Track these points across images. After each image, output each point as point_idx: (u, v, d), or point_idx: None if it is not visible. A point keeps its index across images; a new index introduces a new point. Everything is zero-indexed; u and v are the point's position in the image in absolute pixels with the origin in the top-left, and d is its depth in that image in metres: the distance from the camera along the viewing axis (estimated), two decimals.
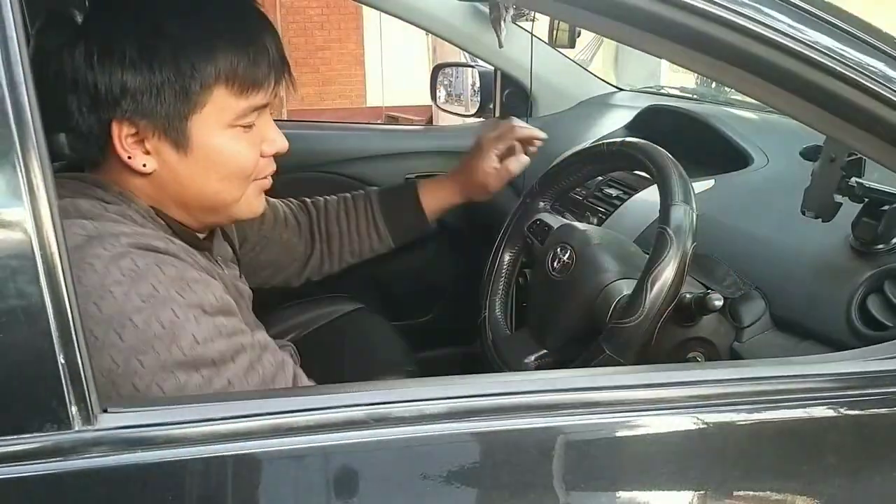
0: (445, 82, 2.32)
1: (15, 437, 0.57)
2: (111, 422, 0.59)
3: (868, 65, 0.77)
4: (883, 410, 0.80)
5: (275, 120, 0.96)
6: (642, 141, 1.12)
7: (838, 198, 1.01)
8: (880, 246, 1.03)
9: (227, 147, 0.88)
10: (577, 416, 0.70)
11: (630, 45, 0.83)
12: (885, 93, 0.77)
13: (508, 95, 2.06)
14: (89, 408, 0.58)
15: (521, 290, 1.26)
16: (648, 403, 0.73)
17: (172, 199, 0.90)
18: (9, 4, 0.55)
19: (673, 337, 1.07)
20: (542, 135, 1.38)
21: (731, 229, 1.21)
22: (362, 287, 1.63)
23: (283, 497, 0.63)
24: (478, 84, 2.11)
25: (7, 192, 0.55)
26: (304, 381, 0.94)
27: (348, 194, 1.39)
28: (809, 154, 1.06)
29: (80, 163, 0.92)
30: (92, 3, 0.91)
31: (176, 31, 0.83)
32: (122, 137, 0.85)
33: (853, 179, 1.01)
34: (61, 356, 0.57)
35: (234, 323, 0.83)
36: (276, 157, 0.97)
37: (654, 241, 0.98)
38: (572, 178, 1.24)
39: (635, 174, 1.42)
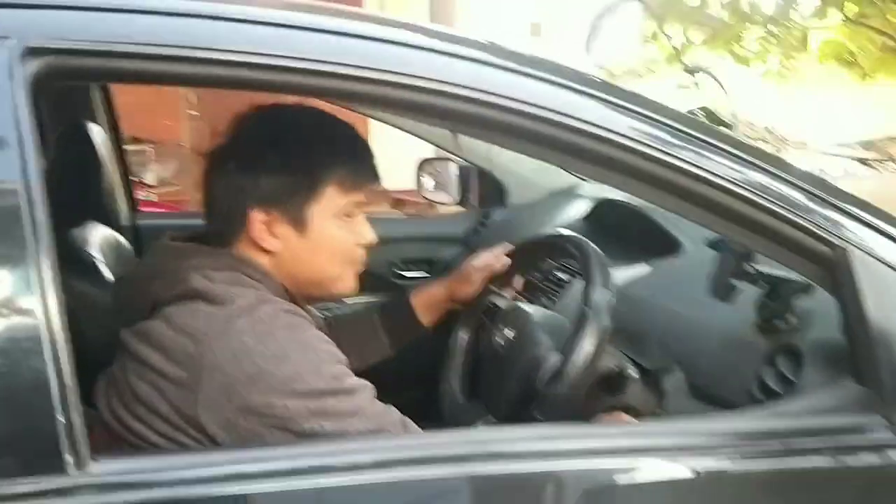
0: (434, 173, 2.52)
1: (23, 478, 0.72)
2: (99, 468, 0.75)
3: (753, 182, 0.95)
4: (760, 461, 0.94)
5: None
6: (573, 234, 1.30)
7: (734, 282, 1.17)
8: (779, 323, 1.19)
9: (335, 232, 1.11)
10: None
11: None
12: (759, 201, 0.95)
13: (484, 186, 2.25)
14: (81, 457, 0.73)
15: (475, 365, 1.41)
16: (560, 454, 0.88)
17: (287, 275, 1.11)
18: (27, 128, 0.74)
19: (603, 404, 1.21)
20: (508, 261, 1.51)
21: (660, 309, 1.37)
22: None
23: None
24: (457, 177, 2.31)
25: (20, 283, 0.73)
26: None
27: (355, 308, 1.53)
28: (714, 245, 1.22)
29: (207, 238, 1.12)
30: (235, 125, 1.12)
31: (308, 143, 1.09)
32: (257, 223, 1.06)
33: (749, 266, 1.17)
34: (60, 416, 0.73)
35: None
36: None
37: (576, 318, 1.14)
38: (518, 264, 1.41)
39: None
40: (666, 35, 4.22)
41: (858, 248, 0.97)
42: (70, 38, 0.79)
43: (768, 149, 3.88)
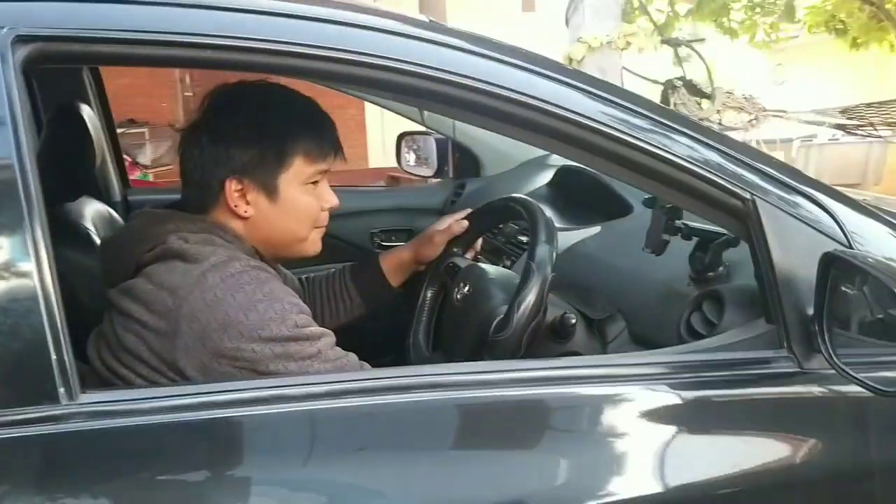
0: (414, 147, 2.63)
1: (24, 407, 0.84)
2: (87, 399, 0.86)
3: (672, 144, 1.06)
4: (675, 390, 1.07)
5: None
6: (522, 196, 1.42)
7: (666, 237, 1.29)
8: (710, 274, 1.30)
9: (302, 198, 1.23)
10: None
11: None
12: (677, 160, 1.06)
13: (461, 159, 2.37)
14: (72, 389, 0.85)
15: (438, 320, 1.54)
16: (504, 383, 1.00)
17: (259, 238, 1.23)
18: (18, 108, 0.85)
19: (551, 351, 1.33)
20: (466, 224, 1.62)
21: (607, 265, 1.49)
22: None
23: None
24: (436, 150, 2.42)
25: (16, 247, 0.84)
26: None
27: (331, 271, 1.65)
28: (648, 203, 1.34)
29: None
30: (207, 101, 1.23)
31: (280, 118, 1.21)
32: (231, 192, 1.18)
33: (678, 222, 1.29)
34: (54, 356, 0.85)
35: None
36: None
37: (522, 272, 1.26)
38: (476, 227, 1.53)
39: None
40: (645, 8, 4.30)
41: (765, 200, 1.08)
42: (55, 27, 0.90)
43: (746, 117, 3.99)
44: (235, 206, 1.19)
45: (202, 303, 1.06)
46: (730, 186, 1.08)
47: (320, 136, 1.25)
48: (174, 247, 1.12)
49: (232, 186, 1.18)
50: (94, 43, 0.92)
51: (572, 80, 1.08)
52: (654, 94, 3.97)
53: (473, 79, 1.00)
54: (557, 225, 1.75)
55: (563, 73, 1.08)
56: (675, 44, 3.89)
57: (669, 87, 3.86)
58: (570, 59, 3.68)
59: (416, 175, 2.54)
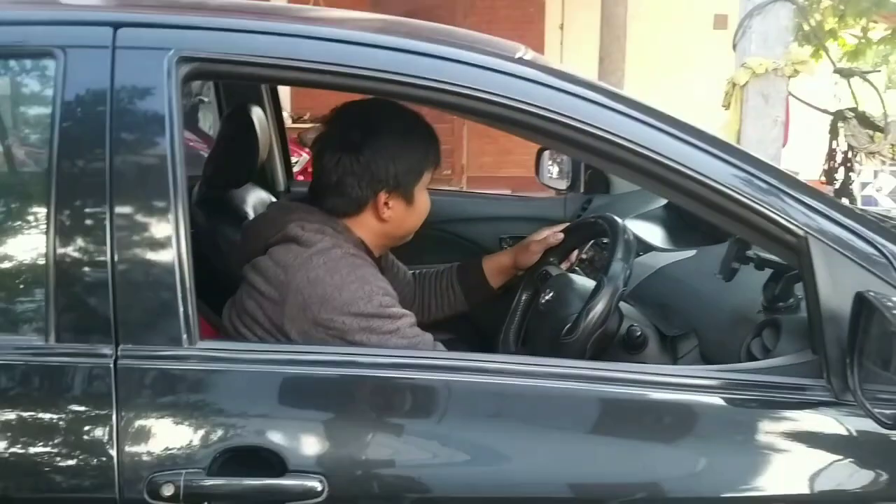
0: (557, 161, 2.77)
1: (159, 347, 1.08)
2: (203, 345, 1.10)
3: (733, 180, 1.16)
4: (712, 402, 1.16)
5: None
6: (610, 215, 1.53)
7: (736, 265, 1.37)
8: (780, 304, 1.37)
9: (425, 201, 1.48)
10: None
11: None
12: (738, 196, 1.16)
13: (591, 175, 2.49)
14: (192, 337, 1.09)
15: (528, 321, 1.68)
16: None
17: (387, 235, 1.46)
18: (176, 113, 1.10)
19: (622, 361, 1.45)
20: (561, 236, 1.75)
21: (691, 287, 1.58)
22: (456, 323, 2.08)
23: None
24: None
25: (162, 218, 1.09)
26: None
27: (440, 268, 1.85)
28: (725, 235, 1.42)
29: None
30: (345, 118, 1.45)
31: (419, 138, 1.44)
32: (381, 204, 1.41)
33: (751, 252, 1.37)
34: (181, 310, 1.09)
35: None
36: None
37: (595, 284, 1.39)
38: (571, 240, 1.67)
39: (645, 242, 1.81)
40: (818, 36, 4.15)
41: (817, 238, 1.15)
42: (209, 50, 1.15)
43: None
44: (382, 212, 1.41)
45: (306, 280, 1.28)
46: (785, 223, 1.16)
47: (437, 148, 1.47)
48: (292, 233, 1.35)
49: (382, 199, 1.40)
50: (237, 65, 1.16)
51: (657, 121, 1.19)
52: (823, 123, 3.85)
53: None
54: (661, 245, 1.86)
55: (651, 115, 1.20)
56: (848, 74, 3.75)
57: (840, 117, 3.72)
58: (734, 85, 3.65)
59: (552, 188, 2.67)
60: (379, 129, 1.40)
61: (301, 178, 3.52)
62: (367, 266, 1.35)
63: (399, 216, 1.43)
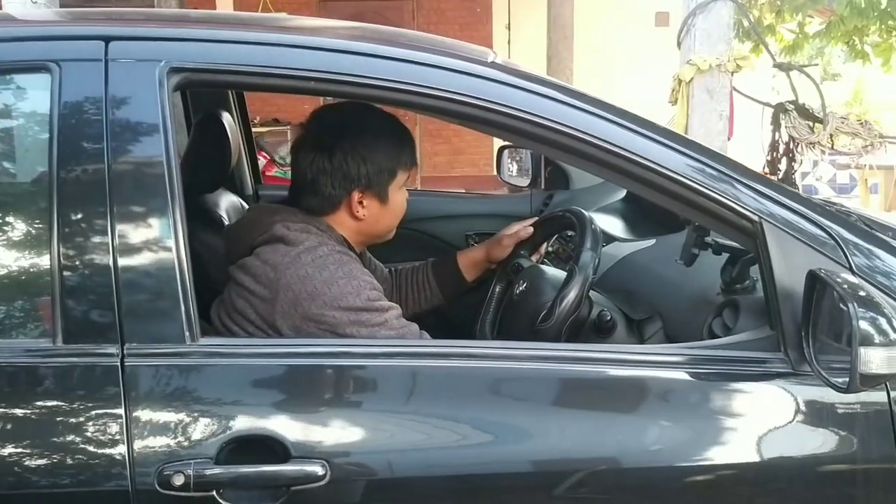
0: (517, 158, 2.86)
1: (161, 344, 1.13)
2: (204, 342, 1.16)
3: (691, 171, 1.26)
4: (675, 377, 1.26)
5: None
6: (578, 209, 1.63)
7: (695, 250, 1.47)
8: (737, 286, 1.47)
9: (400, 200, 1.54)
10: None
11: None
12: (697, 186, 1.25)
13: (552, 172, 2.59)
14: (194, 335, 1.15)
15: (502, 311, 1.76)
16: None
17: (364, 234, 1.52)
18: (169, 121, 1.15)
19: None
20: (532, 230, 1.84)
21: (653, 273, 1.68)
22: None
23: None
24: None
25: (161, 222, 1.14)
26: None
27: (415, 264, 1.92)
28: (685, 222, 1.52)
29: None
30: (320, 120, 1.51)
31: (391, 139, 1.50)
32: (355, 202, 1.47)
33: (709, 238, 1.47)
34: (182, 309, 1.14)
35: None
36: None
37: (567, 273, 1.47)
38: (540, 233, 1.76)
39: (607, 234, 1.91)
40: (758, 33, 4.32)
41: (770, 223, 1.25)
42: (198, 61, 1.20)
43: (860, 142, 3.96)
44: (356, 211, 1.47)
45: (296, 277, 1.34)
46: (740, 209, 1.26)
47: (412, 148, 1.54)
48: (279, 233, 1.41)
49: (355, 198, 1.47)
50: (225, 74, 1.22)
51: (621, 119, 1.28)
52: (765, 116, 4.01)
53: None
54: (622, 235, 1.96)
55: (612, 112, 1.29)
56: (787, 68, 3.92)
57: (781, 110, 3.89)
58: (680, 81, 3.79)
59: (513, 185, 2.76)
60: (352, 131, 1.47)
61: None
62: (353, 262, 1.42)
63: (374, 215, 1.50)
